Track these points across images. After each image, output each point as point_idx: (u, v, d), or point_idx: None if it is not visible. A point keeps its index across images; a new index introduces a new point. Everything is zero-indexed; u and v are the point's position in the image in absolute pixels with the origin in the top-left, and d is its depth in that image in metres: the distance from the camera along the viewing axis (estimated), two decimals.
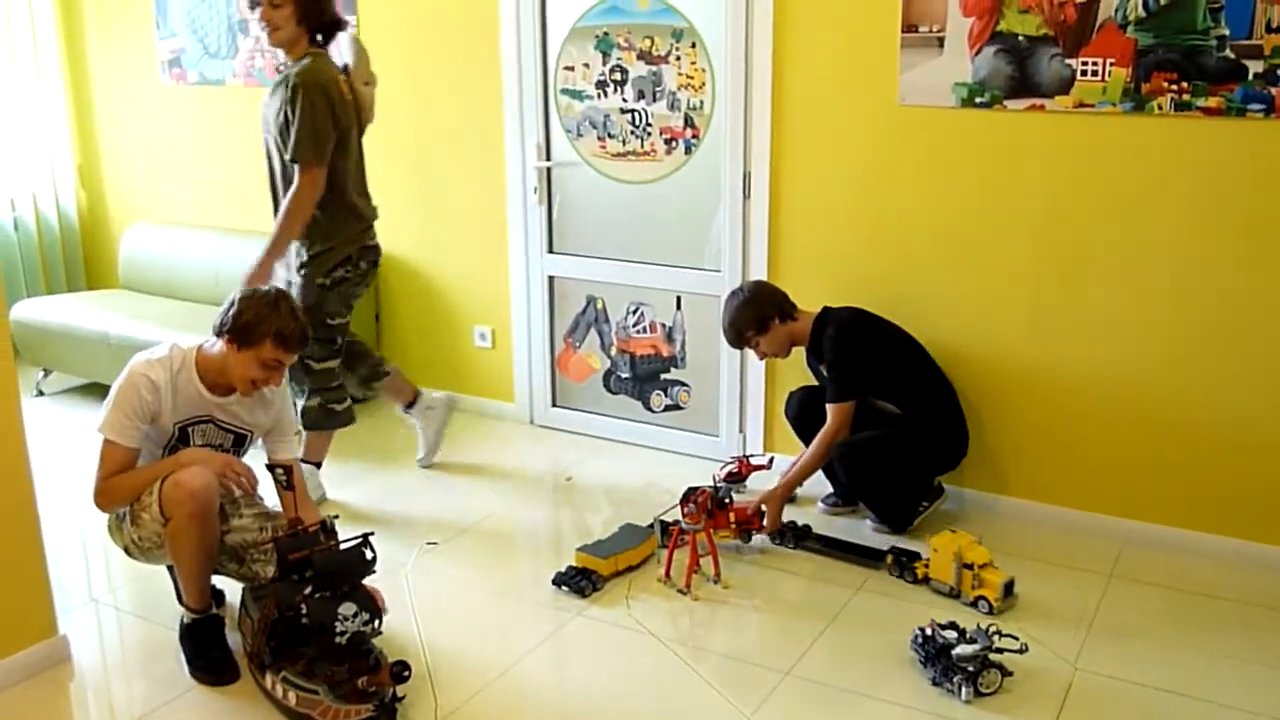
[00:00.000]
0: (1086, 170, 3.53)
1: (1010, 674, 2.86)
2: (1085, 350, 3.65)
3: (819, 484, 3.88)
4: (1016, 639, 2.93)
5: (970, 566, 3.20)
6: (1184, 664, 2.98)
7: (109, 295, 5.43)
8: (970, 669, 2.81)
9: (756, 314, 3.71)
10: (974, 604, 3.20)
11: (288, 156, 3.61)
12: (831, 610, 3.26)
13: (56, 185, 5.72)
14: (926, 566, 3.34)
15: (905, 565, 3.38)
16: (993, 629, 2.92)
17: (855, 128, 3.83)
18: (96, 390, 5.15)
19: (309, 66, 3.59)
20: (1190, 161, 3.38)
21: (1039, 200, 3.61)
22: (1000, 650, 2.88)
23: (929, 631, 2.95)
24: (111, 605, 3.33)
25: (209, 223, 5.42)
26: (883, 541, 3.59)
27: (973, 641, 2.87)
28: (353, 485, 4.15)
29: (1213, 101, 3.30)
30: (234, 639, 3.01)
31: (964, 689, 2.81)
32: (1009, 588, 3.21)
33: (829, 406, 3.68)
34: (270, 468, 3.04)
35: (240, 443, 3.06)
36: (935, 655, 2.89)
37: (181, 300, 5.24)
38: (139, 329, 4.79)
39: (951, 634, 2.91)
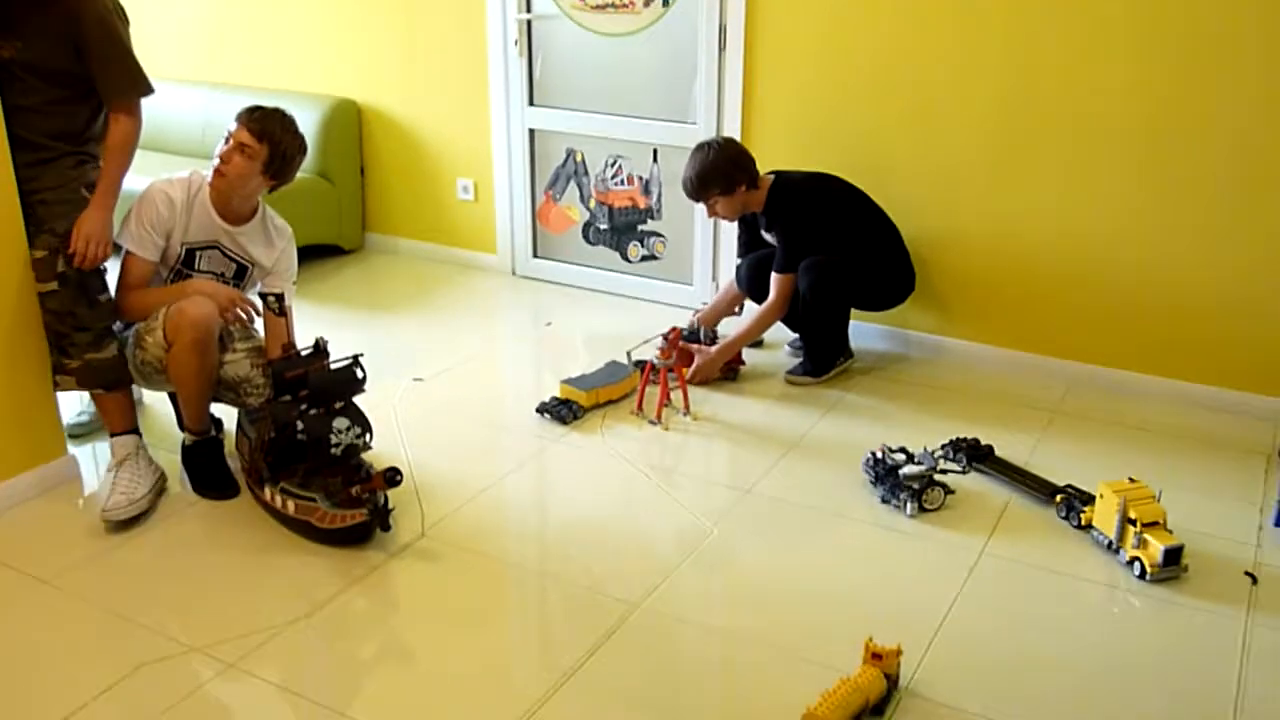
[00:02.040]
0: (1046, 27, 3.64)
1: (953, 492, 3.11)
2: (1034, 203, 3.82)
3: (782, 331, 4.10)
4: (961, 462, 3.18)
5: (1134, 522, 2.81)
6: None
7: None
8: (915, 487, 3.06)
9: (727, 175, 3.74)
10: (1129, 564, 2.81)
11: (110, 93, 2.97)
12: (792, 439, 3.50)
13: None
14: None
15: (1073, 507, 3.01)
16: (938, 453, 3.15)
17: None
18: None
19: None
20: (1143, 17, 3.49)
21: (1001, 57, 3.73)
22: (945, 471, 3.12)
23: (879, 454, 3.18)
24: None
25: (192, 77, 5.48)
26: (1007, 444, 3.40)
27: (919, 463, 3.11)
28: (340, 330, 4.32)
29: None
30: (231, 462, 3.23)
31: (909, 504, 3.05)
32: (1173, 555, 2.76)
33: (775, 276, 3.81)
34: (263, 295, 3.21)
35: (241, 275, 3.22)
36: (884, 475, 3.13)
37: (171, 154, 5.33)
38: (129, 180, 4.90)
39: (900, 456, 3.15)
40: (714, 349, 3.86)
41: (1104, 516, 2.90)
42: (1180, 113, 3.54)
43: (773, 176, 3.84)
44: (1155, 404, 3.77)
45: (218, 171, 3.06)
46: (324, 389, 2.86)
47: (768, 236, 3.93)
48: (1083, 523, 2.98)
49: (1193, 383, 3.75)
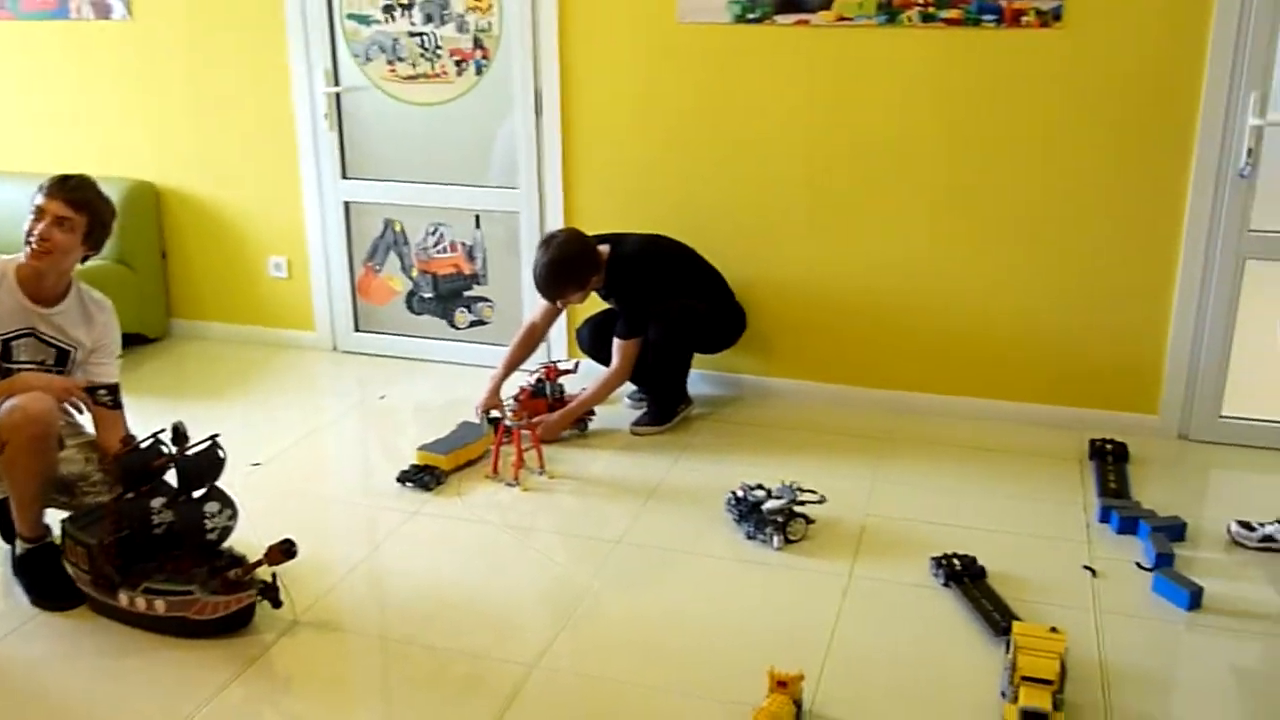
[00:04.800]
0: (848, 81, 3.91)
1: (813, 522, 3.25)
2: (846, 244, 4.08)
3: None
4: (815, 492, 3.32)
5: (1012, 668, 2.43)
6: (954, 502, 3.46)
7: None
8: (779, 520, 3.18)
9: (580, 274, 3.81)
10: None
11: None
12: (649, 487, 3.57)
13: None
14: None
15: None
16: (794, 484, 3.29)
17: (638, 45, 4.09)
18: None
19: None
20: (936, 69, 3.82)
21: (808, 110, 3.98)
22: (803, 503, 3.26)
23: (740, 493, 3.30)
24: None
25: None
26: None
27: (779, 497, 3.24)
28: (158, 421, 4.10)
29: (953, 13, 3.74)
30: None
31: (775, 538, 3.17)
32: (1032, 718, 2.33)
33: (618, 342, 3.91)
34: (92, 389, 3.01)
35: (63, 360, 3.03)
36: (747, 513, 3.24)
37: None
38: None
39: (760, 493, 3.27)
40: (558, 414, 3.90)
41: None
42: (976, 154, 3.87)
43: (608, 248, 3.90)
44: (973, 424, 4.06)
45: (38, 252, 2.90)
46: (194, 474, 2.74)
47: (608, 303, 4.02)
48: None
49: (1005, 400, 4.06)
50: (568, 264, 3.79)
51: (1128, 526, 3.25)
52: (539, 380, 4.03)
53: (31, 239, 2.90)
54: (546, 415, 3.88)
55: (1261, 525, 3.07)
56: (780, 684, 2.40)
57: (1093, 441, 3.76)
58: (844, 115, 3.95)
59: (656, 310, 3.88)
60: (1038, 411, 4.03)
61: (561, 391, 4.01)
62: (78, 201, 2.93)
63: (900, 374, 4.16)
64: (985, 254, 3.95)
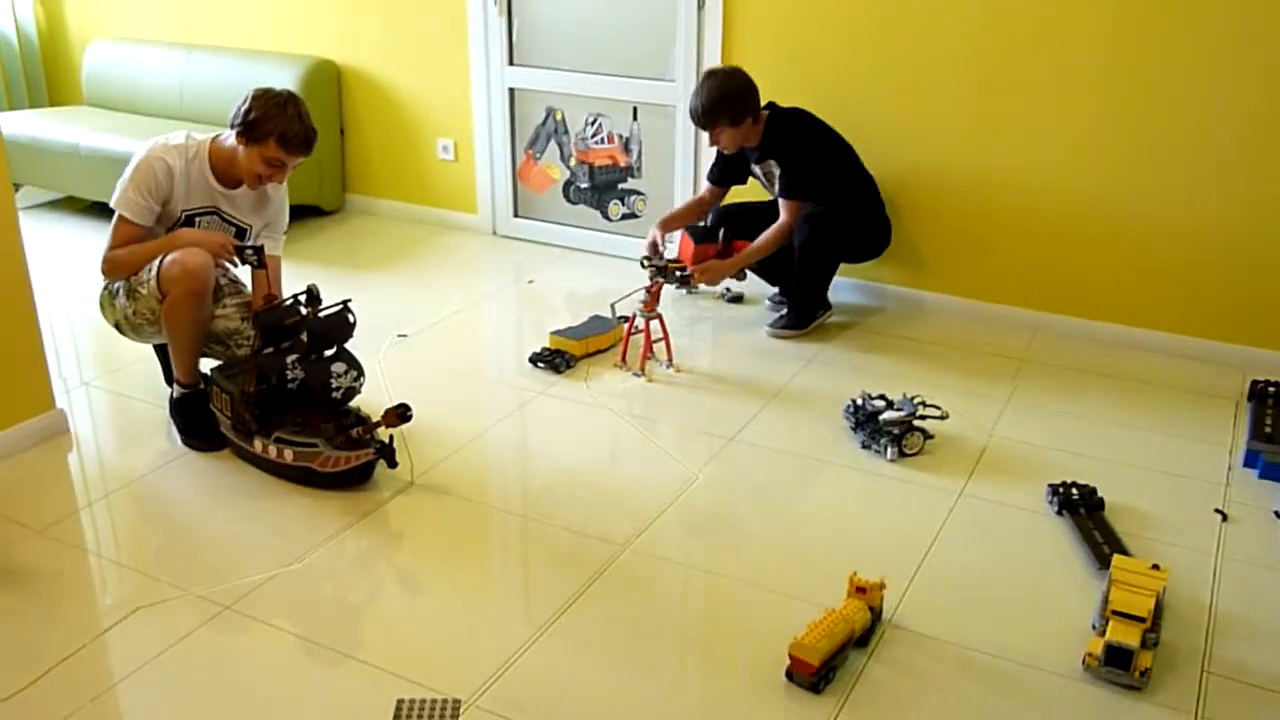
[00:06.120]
0: None
1: (931, 437, 3.18)
2: (1011, 150, 3.88)
3: (761, 286, 4.16)
4: (939, 408, 3.24)
5: (1105, 601, 2.38)
6: (1088, 431, 3.32)
7: (75, 111, 5.47)
8: (895, 432, 3.13)
9: (737, 106, 3.74)
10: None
11: None
12: (774, 389, 3.56)
13: (14, 2, 5.68)
14: None
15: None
16: (918, 399, 3.22)
17: None
18: (68, 204, 5.28)
19: None
20: None
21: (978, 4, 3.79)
22: (924, 417, 3.18)
23: (859, 401, 3.25)
24: (101, 388, 3.54)
25: (168, 38, 5.46)
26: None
27: (899, 410, 3.18)
28: (322, 289, 4.32)
29: None
30: None
31: (889, 449, 3.12)
32: (1114, 654, 2.25)
33: (783, 201, 3.87)
34: (240, 249, 3.14)
35: (240, 238, 3.24)
36: (864, 421, 3.20)
37: (147, 115, 5.31)
38: (109, 141, 4.89)
39: (880, 403, 3.22)
40: (726, 261, 3.91)
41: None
42: (1154, 59, 3.61)
43: (768, 110, 3.86)
44: (1124, 353, 3.86)
45: (265, 182, 3.12)
46: (323, 334, 2.89)
47: (756, 170, 3.96)
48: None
49: (1164, 331, 3.84)
50: (731, 93, 3.72)
51: (1273, 473, 3.05)
52: (706, 227, 4.02)
53: (263, 180, 3.11)
54: (713, 260, 3.92)
55: None
56: (859, 590, 2.39)
57: (1254, 382, 3.52)
58: (1016, 14, 3.74)
59: (804, 213, 3.81)
60: (1200, 346, 3.79)
61: (729, 239, 3.99)
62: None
63: (1053, 295, 3.98)
64: (1157, 170, 3.70)
